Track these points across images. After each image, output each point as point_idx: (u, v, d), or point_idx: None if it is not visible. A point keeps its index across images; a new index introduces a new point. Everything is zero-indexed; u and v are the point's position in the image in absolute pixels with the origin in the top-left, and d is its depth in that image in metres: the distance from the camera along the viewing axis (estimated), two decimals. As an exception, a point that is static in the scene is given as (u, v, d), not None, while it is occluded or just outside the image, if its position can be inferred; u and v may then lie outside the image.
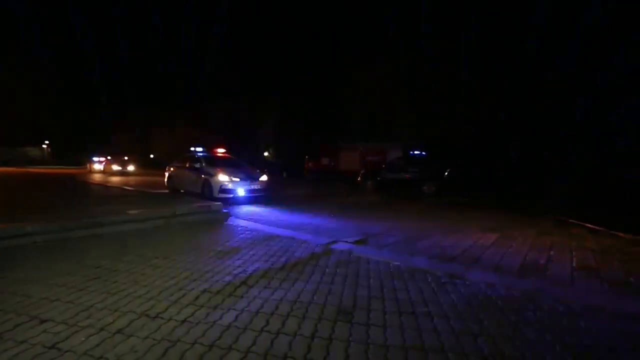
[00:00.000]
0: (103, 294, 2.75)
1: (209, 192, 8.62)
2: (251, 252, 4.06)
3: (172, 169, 10.79)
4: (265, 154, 32.20)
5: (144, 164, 30.22)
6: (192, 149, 10.93)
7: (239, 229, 5.62)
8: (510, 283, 3.18)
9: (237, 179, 8.71)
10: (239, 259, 3.78)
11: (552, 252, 4.31)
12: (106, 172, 22.79)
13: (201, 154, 10.26)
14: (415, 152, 13.88)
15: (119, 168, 23.03)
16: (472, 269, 3.60)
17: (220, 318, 2.37)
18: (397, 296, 2.82)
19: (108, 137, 35.66)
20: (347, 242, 4.68)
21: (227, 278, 3.17)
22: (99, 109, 38.19)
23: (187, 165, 10.02)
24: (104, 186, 12.52)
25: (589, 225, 5.96)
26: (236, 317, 2.39)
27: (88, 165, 26.10)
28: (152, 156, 37.82)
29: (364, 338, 2.14)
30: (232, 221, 6.31)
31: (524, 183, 13.03)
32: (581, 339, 2.20)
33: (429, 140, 17.82)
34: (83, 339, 2.06)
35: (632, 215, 7.06)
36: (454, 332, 2.24)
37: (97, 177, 18.23)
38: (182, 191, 9.88)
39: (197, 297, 2.72)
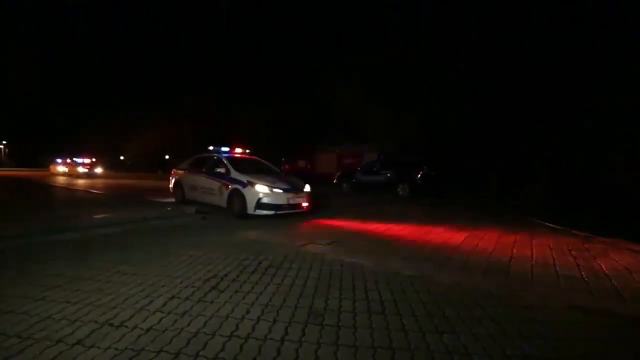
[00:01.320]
0: (62, 303, 2.61)
1: (239, 206, 6.74)
2: (224, 256, 3.99)
3: (180, 172, 8.68)
4: None
5: (113, 166, 28.95)
6: (211, 147, 8.72)
7: (212, 232, 5.51)
8: (475, 281, 3.32)
9: (280, 190, 6.78)
10: (210, 264, 3.70)
11: (514, 250, 4.54)
12: (71, 174, 21.64)
13: (225, 155, 8.04)
14: (390, 155, 14.20)
15: (85, 170, 21.94)
16: (441, 268, 3.73)
17: (189, 325, 2.31)
18: (368, 297, 2.87)
19: (72, 136, 33.84)
20: (320, 244, 4.71)
21: (198, 283, 3.10)
22: (66, 105, 36.14)
23: (204, 169, 7.92)
24: (68, 190, 11.87)
25: (551, 225, 6.33)
26: (205, 323, 2.34)
27: (50, 167, 24.67)
28: (122, 158, 36.31)
29: (334, 340, 2.16)
30: (205, 225, 6.17)
31: (503, 185, 13.38)
32: (538, 331, 2.34)
33: (419, 141, 17.84)
34: (37, 352, 1.94)
35: (608, 217, 7.44)
36: (421, 329, 2.31)
37: (60, 180, 17.27)
38: (192, 202, 7.97)
39: (164, 304, 2.64)
